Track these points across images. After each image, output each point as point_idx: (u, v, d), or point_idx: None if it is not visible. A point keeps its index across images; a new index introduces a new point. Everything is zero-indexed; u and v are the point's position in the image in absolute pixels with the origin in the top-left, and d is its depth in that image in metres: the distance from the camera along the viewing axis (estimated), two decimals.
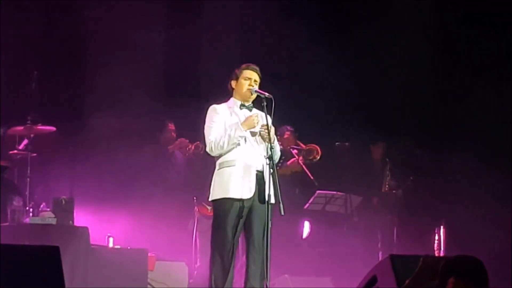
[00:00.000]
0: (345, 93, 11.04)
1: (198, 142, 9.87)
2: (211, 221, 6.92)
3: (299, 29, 11.14)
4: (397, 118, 10.99)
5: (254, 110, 7.00)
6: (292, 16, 11.24)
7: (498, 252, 9.47)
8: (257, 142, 6.87)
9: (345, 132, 10.82)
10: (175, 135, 10.41)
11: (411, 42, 10.97)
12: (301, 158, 10.41)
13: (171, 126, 10.43)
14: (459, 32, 11.00)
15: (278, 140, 10.07)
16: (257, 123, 6.78)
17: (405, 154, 10.76)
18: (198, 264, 9.46)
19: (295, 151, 10.48)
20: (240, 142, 6.78)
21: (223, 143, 6.76)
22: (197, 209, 9.61)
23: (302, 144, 10.54)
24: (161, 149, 10.37)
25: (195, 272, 9.36)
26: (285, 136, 10.41)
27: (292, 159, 10.47)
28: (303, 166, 10.38)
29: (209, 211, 9.25)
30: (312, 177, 10.32)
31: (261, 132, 6.76)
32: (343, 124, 10.85)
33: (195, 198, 9.61)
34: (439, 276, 4.30)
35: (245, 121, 6.80)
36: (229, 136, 6.75)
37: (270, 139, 6.72)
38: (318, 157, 10.44)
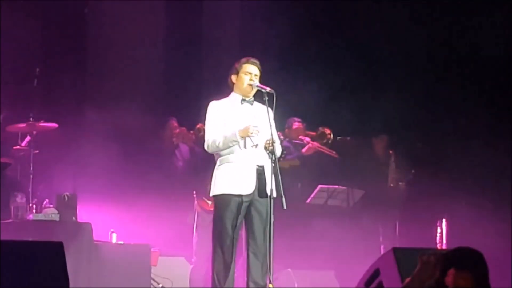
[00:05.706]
0: (347, 87, 11.05)
1: (200, 124, 9.72)
2: (212, 215, 6.95)
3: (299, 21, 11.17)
4: (400, 111, 10.98)
5: (256, 104, 7.01)
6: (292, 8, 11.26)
7: (500, 245, 9.48)
8: (257, 137, 6.87)
9: (346, 126, 10.82)
10: (177, 132, 10.40)
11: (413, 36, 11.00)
12: (315, 143, 10.44)
13: (174, 123, 10.41)
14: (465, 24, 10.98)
15: (286, 132, 10.13)
16: (254, 134, 6.71)
17: (407, 148, 10.75)
18: (194, 259, 9.44)
19: (308, 138, 10.47)
20: (236, 144, 6.79)
21: (219, 143, 6.80)
22: (197, 204, 9.58)
23: (311, 133, 10.55)
24: (165, 145, 10.36)
25: (191, 267, 9.35)
26: (294, 127, 10.41)
27: (307, 146, 10.45)
28: (321, 148, 10.42)
29: (209, 205, 9.24)
30: (335, 155, 10.43)
31: (266, 146, 6.73)
32: (344, 118, 10.84)
33: (194, 192, 9.59)
34: (439, 268, 4.33)
35: (242, 130, 6.74)
36: (225, 138, 6.77)
37: (272, 135, 6.72)
38: (331, 137, 10.49)
